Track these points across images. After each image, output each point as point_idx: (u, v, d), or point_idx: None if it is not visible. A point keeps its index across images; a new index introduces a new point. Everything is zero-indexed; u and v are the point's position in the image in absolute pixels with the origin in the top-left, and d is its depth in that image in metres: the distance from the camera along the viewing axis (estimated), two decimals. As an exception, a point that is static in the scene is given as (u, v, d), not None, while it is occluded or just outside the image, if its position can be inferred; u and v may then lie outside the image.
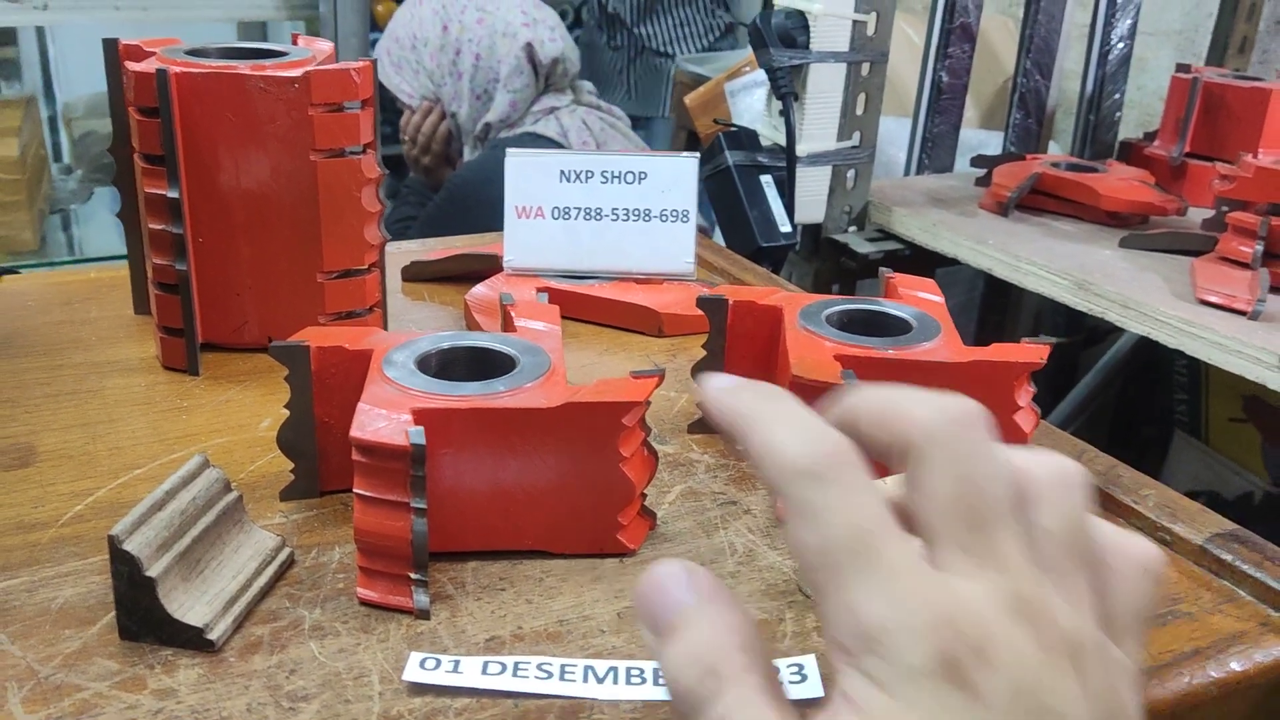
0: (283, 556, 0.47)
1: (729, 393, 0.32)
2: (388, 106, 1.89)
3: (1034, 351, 0.53)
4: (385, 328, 0.70)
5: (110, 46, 0.65)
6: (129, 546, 0.40)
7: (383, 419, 0.44)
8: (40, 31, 2.11)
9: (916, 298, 0.60)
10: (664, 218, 0.75)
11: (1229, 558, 0.49)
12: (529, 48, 1.70)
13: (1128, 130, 1.35)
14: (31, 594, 0.44)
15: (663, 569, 0.30)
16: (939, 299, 0.59)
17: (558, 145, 1.72)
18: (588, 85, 1.88)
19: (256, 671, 0.41)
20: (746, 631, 0.29)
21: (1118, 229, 1.05)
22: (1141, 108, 1.63)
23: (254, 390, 0.63)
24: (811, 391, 0.50)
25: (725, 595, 0.30)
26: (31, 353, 0.66)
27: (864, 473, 0.28)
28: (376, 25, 2.14)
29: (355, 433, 0.43)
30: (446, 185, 1.75)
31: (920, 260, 1.10)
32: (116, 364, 0.65)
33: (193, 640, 0.41)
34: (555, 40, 1.74)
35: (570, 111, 1.78)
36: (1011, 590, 0.27)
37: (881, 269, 0.63)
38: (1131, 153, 1.19)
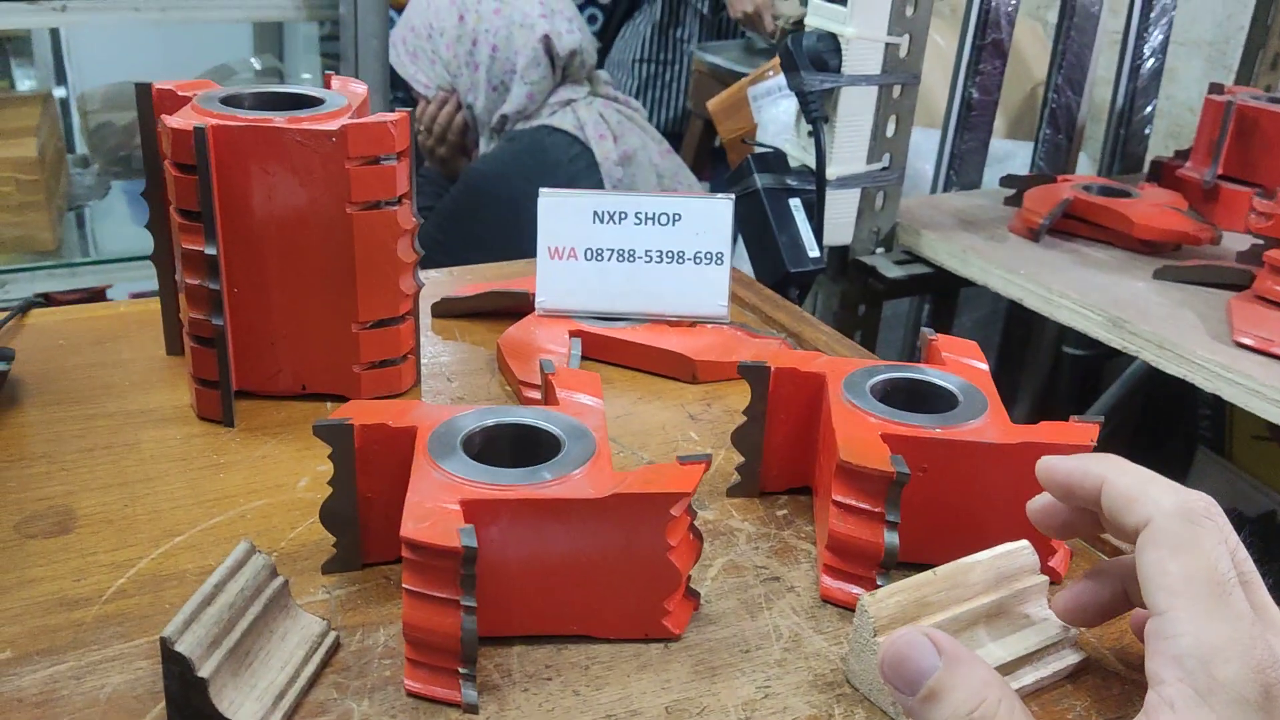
0: (328, 642, 0.46)
1: (1071, 461, 0.44)
2: (403, 96, 1.87)
3: (1084, 432, 0.52)
4: (419, 373, 0.69)
5: (144, 92, 0.65)
6: (181, 648, 0.40)
7: (432, 515, 0.44)
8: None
9: (960, 364, 0.59)
10: (698, 260, 0.75)
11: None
12: (546, 39, 1.69)
13: (1157, 140, 1.34)
14: (79, 681, 0.44)
15: (904, 639, 0.39)
16: (984, 366, 0.59)
17: (574, 138, 1.70)
18: (604, 76, 1.86)
19: (308, 775, 0.41)
20: (996, 682, 0.37)
21: (1151, 256, 1.03)
22: (1171, 118, 1.61)
23: (290, 444, 0.62)
24: (860, 478, 0.50)
25: (965, 653, 0.38)
26: (65, 400, 0.65)
27: (1226, 525, 0.38)
28: (395, 6, 2.11)
29: (406, 531, 0.43)
30: (463, 177, 1.74)
31: (945, 281, 1.10)
32: (151, 413, 0.65)
33: None
34: (573, 32, 1.72)
35: (587, 104, 1.77)
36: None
37: (924, 330, 0.62)
38: (1163, 173, 1.18)
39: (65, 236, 1.59)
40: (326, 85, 0.69)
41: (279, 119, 0.61)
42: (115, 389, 0.67)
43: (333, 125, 0.60)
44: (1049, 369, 1.40)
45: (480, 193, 1.68)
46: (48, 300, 1.41)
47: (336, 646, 0.47)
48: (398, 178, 0.62)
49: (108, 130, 1.75)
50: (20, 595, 0.49)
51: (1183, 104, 1.59)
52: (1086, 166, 1.45)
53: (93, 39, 2.00)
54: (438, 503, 0.44)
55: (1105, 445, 1.35)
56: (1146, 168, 1.24)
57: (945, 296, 1.24)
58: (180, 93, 0.65)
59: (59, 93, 1.97)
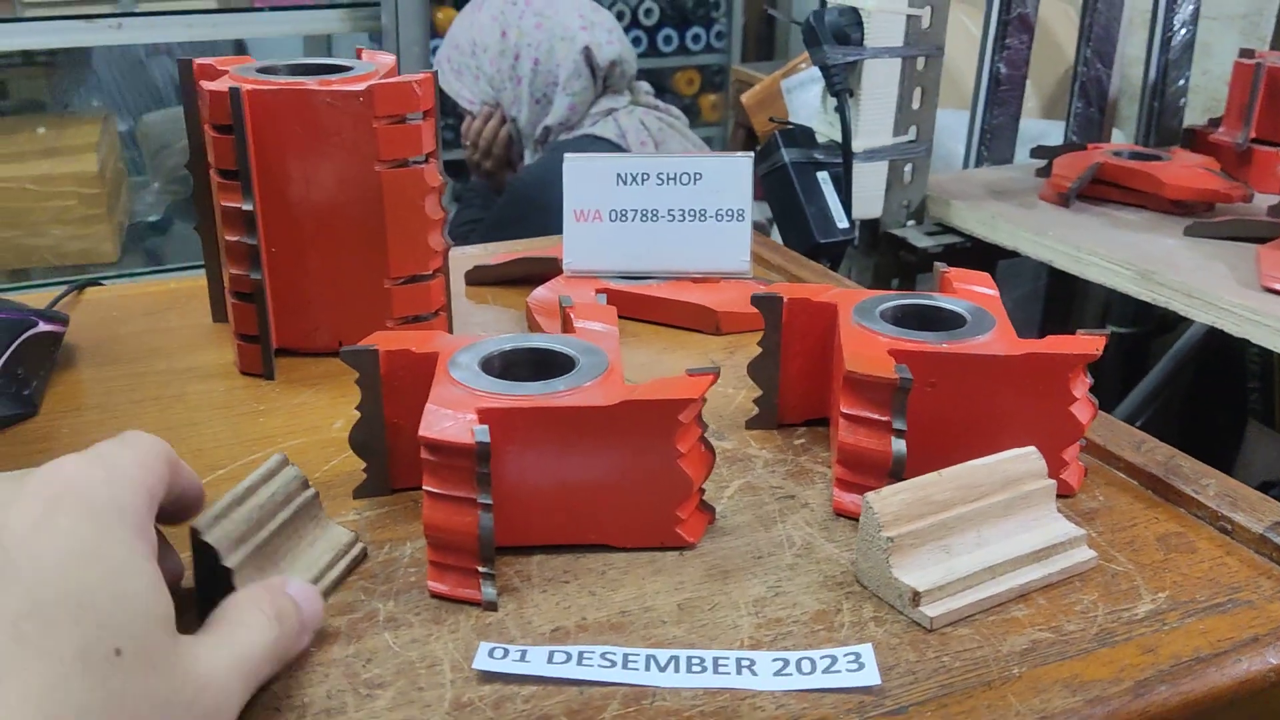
0: (356, 551, 0.49)
1: None
2: (449, 112, 1.92)
3: (1089, 343, 0.53)
4: (450, 331, 0.72)
5: (185, 67, 0.68)
6: (209, 538, 0.42)
7: (449, 419, 0.46)
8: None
9: (971, 292, 0.60)
10: (719, 217, 0.76)
11: (1291, 546, 0.49)
12: (587, 51, 1.72)
13: (1194, 116, 1.33)
14: (124, 589, 0.47)
15: None
16: (994, 293, 0.60)
17: (616, 146, 1.74)
18: (645, 86, 1.89)
19: (335, 660, 0.43)
20: None
21: (1182, 217, 1.03)
22: (1207, 93, 1.60)
23: (326, 393, 0.65)
24: (865, 387, 0.51)
25: None
26: (117, 361, 0.69)
27: None
28: (437, 32, 2.18)
29: (423, 432, 0.45)
30: (508, 189, 1.78)
31: (981, 253, 1.10)
32: (196, 370, 0.68)
33: None
34: (613, 43, 1.75)
35: (628, 112, 1.80)
36: None
37: (936, 264, 0.63)
38: (1196, 139, 1.17)
39: (128, 249, 1.65)
40: (358, 58, 0.72)
41: (310, 82, 0.64)
42: (164, 351, 0.70)
43: (360, 87, 0.63)
44: (1094, 349, 1.38)
45: (525, 202, 1.71)
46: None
47: (363, 556, 0.49)
48: (424, 136, 0.65)
49: (167, 152, 1.82)
50: (72, 520, 0.52)
51: (1219, 78, 1.58)
52: (1122, 142, 1.45)
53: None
54: (456, 409, 0.47)
55: (1155, 420, 1.32)
56: (1180, 139, 1.24)
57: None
58: (219, 66, 0.68)
59: (123, 124, 2.06)
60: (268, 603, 0.41)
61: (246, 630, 0.40)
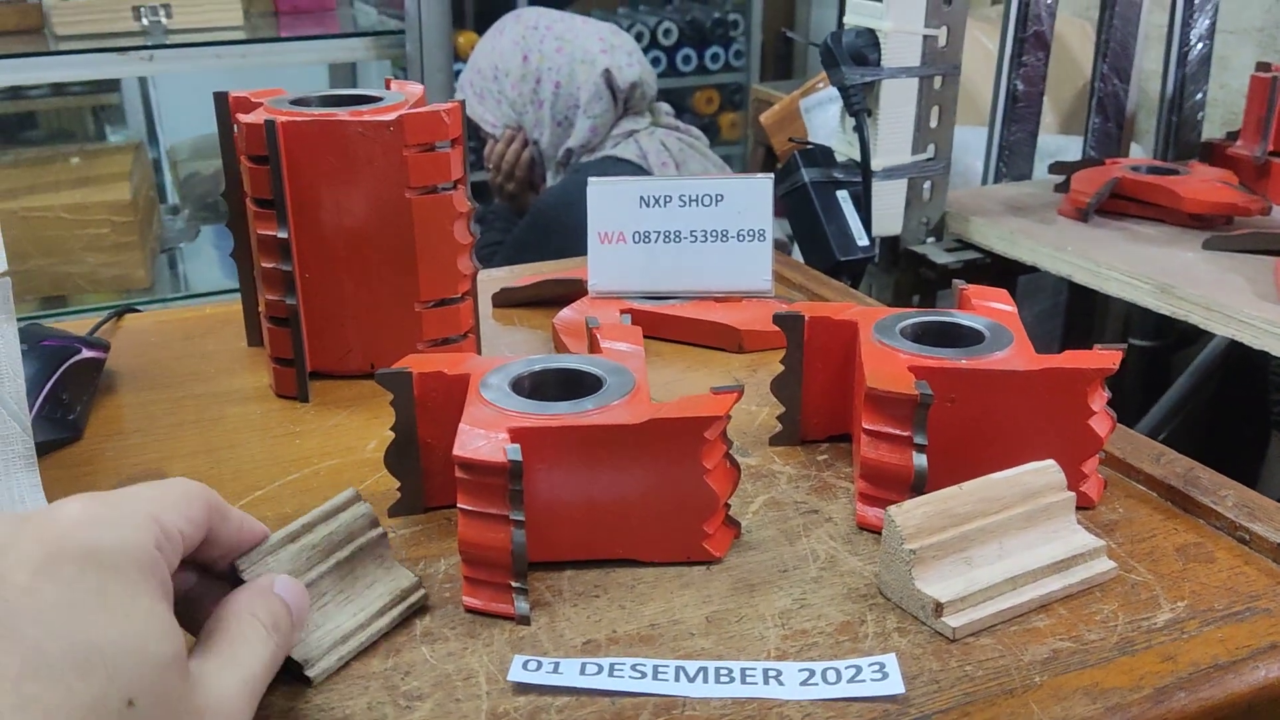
0: (415, 598, 0.48)
1: None
2: (471, 135, 1.95)
3: (1106, 358, 0.54)
4: (479, 352, 0.73)
5: (221, 99, 0.70)
6: (248, 577, 0.43)
7: (482, 438, 0.47)
8: (143, 79, 2.23)
9: (989, 308, 0.61)
10: (741, 238, 0.78)
11: (1309, 555, 0.50)
12: (607, 73, 1.75)
13: (1212, 130, 1.34)
14: (170, 606, 0.49)
15: None
16: (1011, 309, 0.61)
17: (638, 167, 1.75)
18: (665, 107, 1.91)
19: (375, 673, 0.44)
20: None
21: (1201, 231, 1.04)
22: (1225, 106, 1.60)
23: (360, 414, 0.67)
24: (887, 403, 0.52)
25: None
26: (156, 385, 0.71)
27: None
28: (459, 57, 2.21)
29: (458, 451, 0.47)
30: (531, 210, 1.80)
31: (1000, 269, 1.11)
32: (234, 394, 0.70)
33: (292, 670, 0.43)
34: (633, 65, 1.78)
35: (649, 134, 1.82)
36: None
37: (955, 281, 0.65)
38: (1214, 153, 1.18)
39: (159, 276, 1.69)
40: (387, 88, 0.74)
41: (342, 113, 0.66)
42: (202, 375, 0.72)
43: (391, 116, 0.65)
44: (1116, 362, 1.39)
45: (547, 223, 1.73)
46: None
47: (423, 603, 0.48)
48: (452, 163, 0.67)
49: (196, 179, 1.86)
50: (118, 540, 0.54)
51: (1237, 92, 1.58)
52: (1141, 156, 1.46)
53: (179, 95, 2.13)
54: (488, 429, 0.48)
55: (1178, 433, 1.32)
56: (1198, 153, 1.25)
57: (1002, 287, 1.25)
58: (254, 99, 0.70)
59: (151, 151, 2.10)
60: (264, 611, 0.40)
61: (248, 646, 0.39)
